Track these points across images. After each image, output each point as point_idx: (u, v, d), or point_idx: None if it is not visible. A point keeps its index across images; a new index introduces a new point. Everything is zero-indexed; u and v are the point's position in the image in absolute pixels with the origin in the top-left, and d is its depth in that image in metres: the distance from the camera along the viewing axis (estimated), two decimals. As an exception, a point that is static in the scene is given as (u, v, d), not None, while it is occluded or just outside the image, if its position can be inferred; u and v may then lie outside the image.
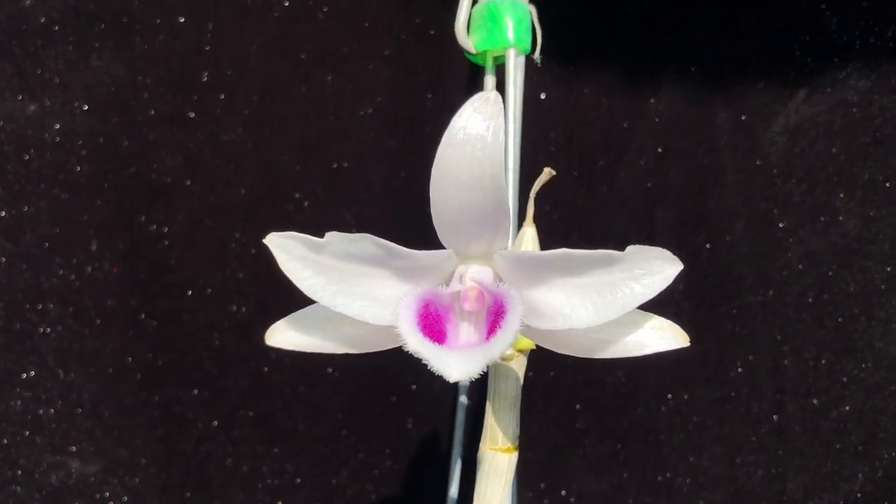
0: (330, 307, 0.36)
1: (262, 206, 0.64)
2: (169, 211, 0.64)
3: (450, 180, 0.35)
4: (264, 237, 0.64)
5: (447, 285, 0.37)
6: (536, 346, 0.47)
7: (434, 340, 0.34)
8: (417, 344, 0.33)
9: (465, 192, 0.35)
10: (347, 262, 0.36)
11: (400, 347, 0.58)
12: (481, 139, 0.34)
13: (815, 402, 0.62)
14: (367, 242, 0.35)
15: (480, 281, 0.36)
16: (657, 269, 0.35)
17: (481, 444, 0.46)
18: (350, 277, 0.36)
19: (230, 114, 0.65)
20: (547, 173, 0.47)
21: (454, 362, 0.32)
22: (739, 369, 0.62)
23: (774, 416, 0.62)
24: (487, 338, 0.35)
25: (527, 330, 0.37)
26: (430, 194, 0.36)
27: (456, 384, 0.64)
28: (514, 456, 0.46)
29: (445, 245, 0.37)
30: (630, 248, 0.35)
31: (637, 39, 0.63)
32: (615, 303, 0.35)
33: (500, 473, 0.46)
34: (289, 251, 0.36)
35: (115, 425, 0.64)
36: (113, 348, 0.64)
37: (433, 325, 0.36)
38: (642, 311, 0.37)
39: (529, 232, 0.46)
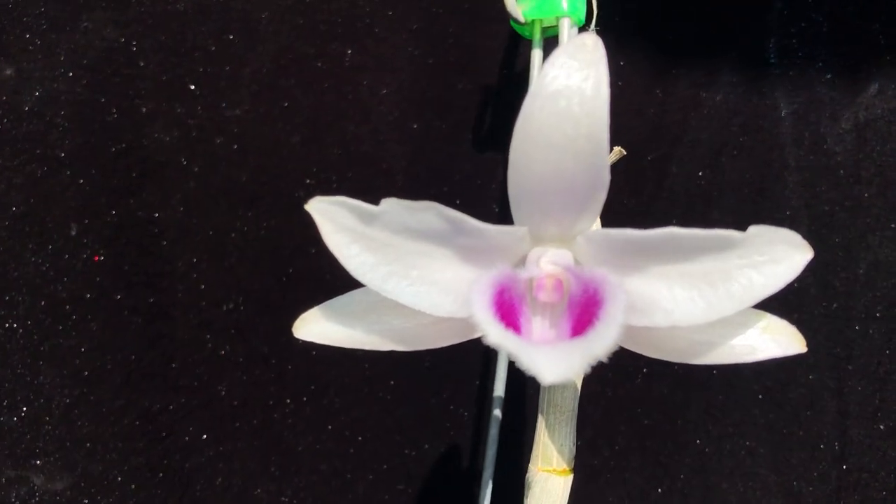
0: (380, 292, 0.31)
1: (268, 192, 0.60)
2: (161, 193, 0.60)
3: (536, 141, 0.29)
4: (270, 225, 0.60)
5: (521, 269, 0.32)
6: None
7: (514, 333, 0.29)
8: (500, 336, 0.28)
9: (554, 155, 0.30)
10: (404, 237, 0.31)
11: (420, 353, 0.53)
12: (578, 91, 0.29)
13: (881, 427, 0.58)
14: (431, 213, 0.30)
15: (564, 265, 0.31)
16: (783, 255, 0.30)
17: (531, 465, 0.42)
18: (406, 257, 0.31)
19: (235, 87, 0.60)
20: (617, 152, 0.42)
21: (546, 360, 0.27)
22: (799, 389, 0.58)
23: (836, 443, 0.58)
24: (574, 334, 0.30)
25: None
26: (510, 157, 0.30)
27: (481, 396, 0.59)
28: (570, 479, 0.41)
29: (519, 222, 0.32)
30: (752, 229, 0.30)
31: (694, 23, 0.59)
32: (730, 296, 0.30)
33: (553, 499, 0.41)
34: (335, 220, 0.31)
35: (88, 436, 0.59)
36: (90, 348, 0.59)
37: (507, 316, 0.30)
38: (752, 309, 0.32)
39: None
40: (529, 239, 0.32)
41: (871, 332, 0.57)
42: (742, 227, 0.56)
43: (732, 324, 0.32)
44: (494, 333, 0.28)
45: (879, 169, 0.58)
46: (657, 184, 0.59)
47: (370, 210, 0.31)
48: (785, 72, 0.58)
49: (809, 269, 0.58)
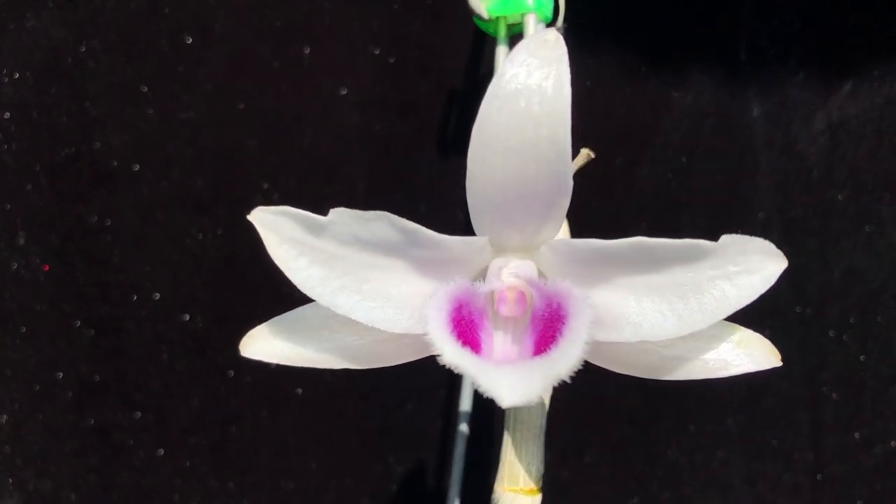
0: (330, 308, 0.29)
1: (224, 197, 0.59)
2: (113, 200, 0.58)
3: (495, 145, 0.28)
4: (226, 233, 0.58)
5: (481, 283, 0.30)
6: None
7: (472, 351, 0.27)
8: (456, 356, 0.26)
9: (514, 159, 0.28)
10: (355, 249, 0.29)
11: (384, 367, 0.50)
12: (539, 91, 0.27)
13: (856, 436, 0.57)
14: (383, 224, 0.28)
15: (526, 277, 0.29)
16: (757, 265, 0.28)
17: (497, 485, 0.40)
18: (357, 270, 0.29)
19: (189, 89, 0.59)
20: (584, 155, 0.40)
21: (507, 381, 0.25)
22: (772, 399, 0.57)
23: (811, 453, 0.57)
24: (537, 352, 0.28)
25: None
26: (468, 163, 0.28)
27: (449, 409, 0.58)
28: (538, 499, 0.39)
29: (479, 232, 0.30)
30: (725, 238, 0.28)
31: (663, 21, 0.58)
32: (702, 309, 0.28)
33: (520, 520, 0.39)
34: (280, 232, 0.29)
35: (39, 453, 0.58)
36: (40, 361, 0.58)
37: (466, 332, 0.28)
38: (724, 322, 0.31)
39: (562, 228, 0.40)
40: (490, 249, 0.31)
41: (844, 338, 0.57)
42: (714, 232, 0.55)
43: (704, 338, 0.31)
44: (450, 353, 0.26)
45: (853, 171, 0.57)
46: (627, 187, 0.58)
47: (318, 220, 0.29)
48: (757, 72, 0.57)
49: (782, 275, 0.57)
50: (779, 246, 0.56)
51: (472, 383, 0.48)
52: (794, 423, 0.57)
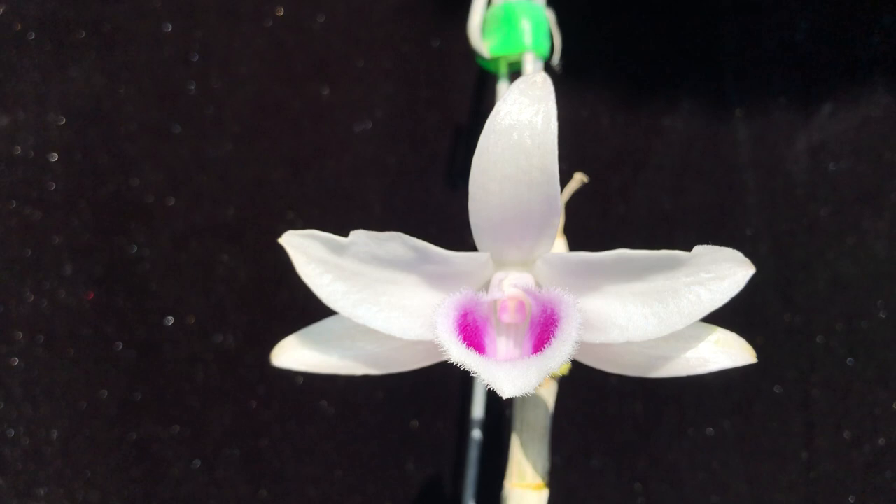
0: (352, 318, 0.32)
1: (252, 226, 0.61)
2: (150, 232, 0.60)
3: (492, 173, 0.31)
4: (254, 259, 0.61)
5: (484, 293, 0.33)
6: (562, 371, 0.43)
7: (477, 353, 0.30)
8: (462, 355, 0.29)
9: (509, 186, 0.31)
10: (373, 266, 0.32)
11: (402, 379, 0.53)
12: (530, 125, 0.30)
13: (845, 435, 0.58)
14: (396, 243, 0.31)
15: (524, 287, 0.32)
16: (727, 272, 0.31)
17: (506, 481, 0.42)
18: (375, 284, 0.32)
19: (218, 128, 0.61)
20: (578, 179, 0.43)
21: (506, 376, 0.28)
22: (766, 402, 0.59)
23: (804, 452, 0.58)
24: (535, 351, 0.31)
25: (572, 345, 0.33)
26: (470, 189, 0.32)
27: (463, 418, 0.60)
28: (545, 493, 0.42)
29: (482, 248, 0.33)
30: (697, 249, 0.31)
31: (653, 53, 0.61)
32: (679, 311, 0.31)
33: (528, 513, 0.42)
34: (307, 253, 0.32)
35: (86, 465, 0.59)
36: (86, 381, 0.59)
37: (472, 336, 0.31)
38: (704, 323, 0.34)
39: (559, 244, 0.43)
40: (492, 264, 0.34)
41: (832, 344, 0.58)
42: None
43: (686, 338, 0.33)
44: (456, 352, 0.29)
45: (834, 187, 0.59)
46: (623, 207, 0.60)
47: (340, 241, 0.32)
48: (741, 98, 0.60)
49: (772, 285, 0.60)
50: (767, 258, 0.59)
51: (483, 388, 0.51)
52: (787, 424, 0.58)
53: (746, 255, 0.57)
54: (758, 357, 0.34)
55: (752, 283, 0.57)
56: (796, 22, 0.59)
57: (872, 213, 0.58)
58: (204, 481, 0.60)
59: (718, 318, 0.57)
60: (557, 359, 0.28)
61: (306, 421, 0.60)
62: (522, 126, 0.30)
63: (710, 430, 0.59)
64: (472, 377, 0.59)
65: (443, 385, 0.61)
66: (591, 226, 0.60)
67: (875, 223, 0.58)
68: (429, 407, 0.61)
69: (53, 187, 0.60)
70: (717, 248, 0.31)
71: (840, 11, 0.59)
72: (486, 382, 0.28)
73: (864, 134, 0.59)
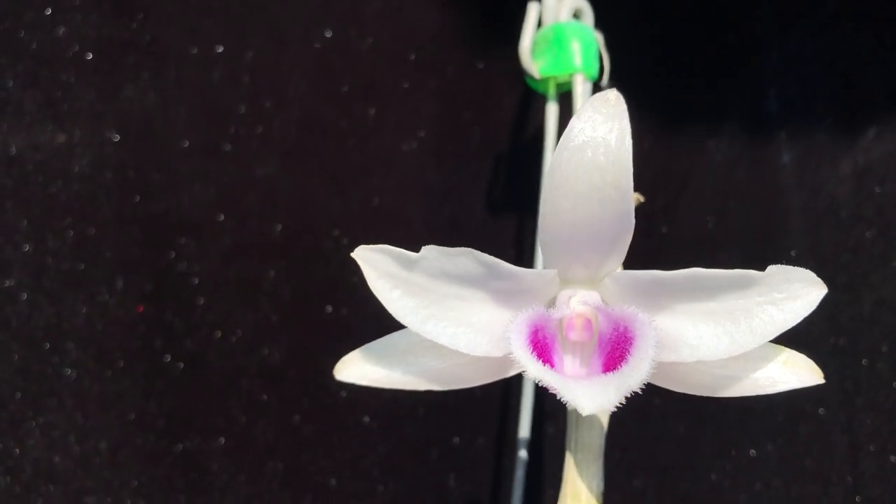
0: (420, 333, 0.31)
1: (298, 243, 0.61)
2: (199, 248, 0.60)
3: (565, 190, 0.30)
4: (299, 275, 0.60)
5: (553, 310, 0.32)
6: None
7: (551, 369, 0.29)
8: (540, 371, 0.28)
9: (582, 203, 0.30)
10: (442, 281, 0.31)
11: (444, 395, 0.52)
12: (604, 143, 0.30)
13: (892, 459, 0.57)
14: (467, 258, 0.31)
15: (595, 305, 0.31)
16: (800, 292, 0.30)
17: (560, 502, 0.41)
18: (443, 300, 0.31)
19: (267, 147, 0.61)
20: (635, 199, 0.42)
21: (585, 392, 0.27)
22: (810, 424, 0.58)
23: (849, 476, 0.57)
24: (606, 369, 0.30)
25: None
26: (541, 207, 0.31)
27: (505, 438, 0.59)
28: (599, 513, 0.40)
29: (549, 266, 0.33)
30: (771, 268, 0.30)
31: (698, 78, 0.60)
32: (752, 331, 0.30)
33: (583, 533, 0.41)
34: (378, 267, 0.31)
35: (133, 475, 0.59)
36: (135, 392, 0.59)
37: (543, 354, 0.30)
38: (772, 344, 0.33)
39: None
40: (559, 281, 0.33)
41: (877, 367, 0.57)
42: (750, 267, 0.57)
43: (754, 359, 0.33)
44: (534, 369, 0.28)
45: (879, 210, 0.58)
46: (668, 227, 0.60)
47: (410, 256, 0.31)
48: (786, 120, 0.59)
49: (817, 308, 0.58)
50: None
51: (529, 407, 0.50)
52: (831, 447, 0.57)
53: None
54: (823, 378, 0.33)
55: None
56: (839, 45, 0.59)
57: (917, 236, 0.57)
58: (247, 493, 0.59)
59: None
60: (636, 377, 0.28)
61: (348, 435, 0.60)
62: (596, 143, 0.30)
63: (752, 451, 0.58)
64: (513, 395, 0.58)
65: (484, 402, 0.60)
66: (635, 245, 0.59)
67: (920, 246, 0.57)
68: (470, 424, 0.60)
69: (107, 203, 0.60)
70: (790, 267, 0.30)
71: (883, 35, 0.59)
72: (564, 399, 0.27)
73: (909, 157, 0.58)
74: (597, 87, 0.52)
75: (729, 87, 0.60)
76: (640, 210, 0.58)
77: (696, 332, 0.31)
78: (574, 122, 0.30)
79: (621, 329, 0.30)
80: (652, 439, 0.59)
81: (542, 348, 0.31)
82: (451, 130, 0.62)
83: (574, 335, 0.32)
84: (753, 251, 0.59)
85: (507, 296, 0.32)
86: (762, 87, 0.60)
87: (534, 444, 0.52)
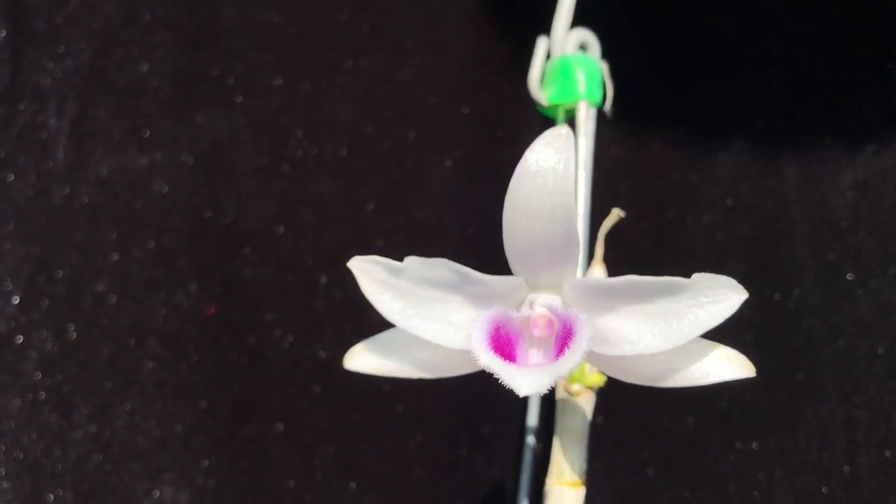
0: (407, 330, 0.37)
1: (347, 252, 0.64)
2: (261, 257, 0.67)
3: (522, 210, 0.35)
4: (348, 281, 0.67)
5: (517, 311, 0.37)
6: (605, 389, 0.47)
7: (505, 360, 0.34)
8: (487, 359, 0.33)
9: (536, 221, 0.35)
10: (424, 286, 0.37)
11: (475, 389, 0.59)
12: (552, 171, 0.35)
13: (888, 454, 0.59)
14: (443, 268, 0.36)
15: (549, 306, 0.37)
16: (723, 297, 0.34)
17: (547, 479, 0.46)
18: (426, 302, 0.37)
19: (320, 167, 0.68)
20: (615, 214, 0.47)
21: (523, 378, 0.32)
22: (810, 420, 0.60)
23: (846, 468, 0.59)
24: (556, 359, 0.35)
25: (595, 357, 0.37)
26: (503, 224, 0.36)
27: (523, 426, 0.64)
28: (581, 491, 0.46)
29: (516, 273, 0.38)
30: (696, 276, 0.35)
31: (705, 96, 0.64)
32: (680, 329, 0.35)
33: (565, 507, 0.46)
34: (370, 275, 0.37)
35: (204, 456, 0.65)
36: (206, 383, 0.65)
37: (504, 347, 0.36)
38: (709, 341, 0.37)
39: (598, 271, 0.47)
40: (526, 286, 0.38)
41: (875, 368, 0.59)
42: (754, 276, 0.61)
43: (693, 353, 0.37)
44: (483, 357, 0.34)
45: (878, 221, 0.60)
46: (678, 238, 0.63)
47: (396, 266, 0.37)
48: (790, 136, 0.62)
49: (818, 312, 0.61)
50: (813, 287, 0.61)
51: (537, 400, 0.55)
52: (830, 442, 0.59)
53: (793, 284, 0.60)
54: (755, 371, 0.37)
55: (799, 309, 0.59)
56: (840, 67, 0.62)
57: (916, 244, 0.59)
58: (302, 474, 0.65)
59: (770, 343, 0.59)
60: (567, 365, 0.33)
61: (385, 423, 0.65)
62: (546, 172, 0.35)
63: (756, 444, 0.61)
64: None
65: (509, 396, 0.65)
66: (646, 254, 0.63)
67: (918, 254, 0.59)
68: (498, 415, 0.65)
69: (182, 218, 0.67)
70: (714, 275, 0.34)
71: (884, 55, 0.61)
72: (505, 383, 0.33)
73: (907, 170, 0.60)
74: (601, 112, 0.57)
75: (737, 104, 0.63)
76: (652, 221, 0.63)
77: (637, 330, 0.35)
78: (528, 154, 0.35)
79: (567, 326, 0.35)
80: (663, 432, 0.62)
81: (505, 343, 0.36)
82: (484, 150, 0.67)
83: (537, 332, 0.37)
84: (758, 260, 0.61)
85: (481, 298, 0.37)
86: (769, 105, 0.63)
87: (541, 432, 0.57)
